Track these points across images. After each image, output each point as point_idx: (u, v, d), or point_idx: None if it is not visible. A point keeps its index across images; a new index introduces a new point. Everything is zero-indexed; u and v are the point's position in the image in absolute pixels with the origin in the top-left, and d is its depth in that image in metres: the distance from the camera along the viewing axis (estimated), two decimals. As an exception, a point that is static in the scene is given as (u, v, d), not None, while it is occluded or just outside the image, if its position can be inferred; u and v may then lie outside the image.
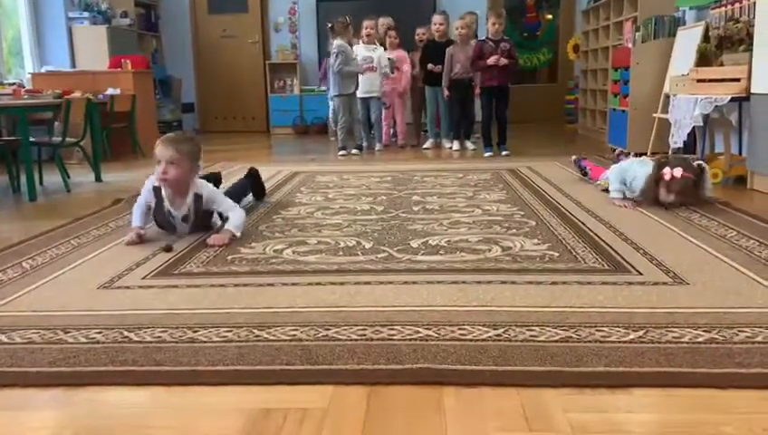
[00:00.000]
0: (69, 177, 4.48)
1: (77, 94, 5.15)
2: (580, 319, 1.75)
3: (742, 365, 1.46)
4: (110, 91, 6.02)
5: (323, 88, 7.43)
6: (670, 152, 4.38)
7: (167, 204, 2.76)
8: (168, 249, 2.55)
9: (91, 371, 1.52)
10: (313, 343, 1.63)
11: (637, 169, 3.28)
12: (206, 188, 2.82)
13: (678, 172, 3.00)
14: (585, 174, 3.98)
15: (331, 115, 6.54)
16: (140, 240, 2.71)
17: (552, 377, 1.44)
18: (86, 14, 7.15)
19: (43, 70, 6.59)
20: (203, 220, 2.85)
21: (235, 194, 3.20)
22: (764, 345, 1.56)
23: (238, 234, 2.71)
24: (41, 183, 4.53)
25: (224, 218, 2.85)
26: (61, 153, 4.62)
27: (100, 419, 1.35)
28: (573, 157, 4.25)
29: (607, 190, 3.42)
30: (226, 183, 3.61)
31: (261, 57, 8.91)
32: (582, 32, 7.82)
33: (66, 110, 4.37)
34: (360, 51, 5.95)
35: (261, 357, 1.56)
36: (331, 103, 7.17)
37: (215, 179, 3.36)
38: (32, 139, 4.24)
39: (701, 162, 3.22)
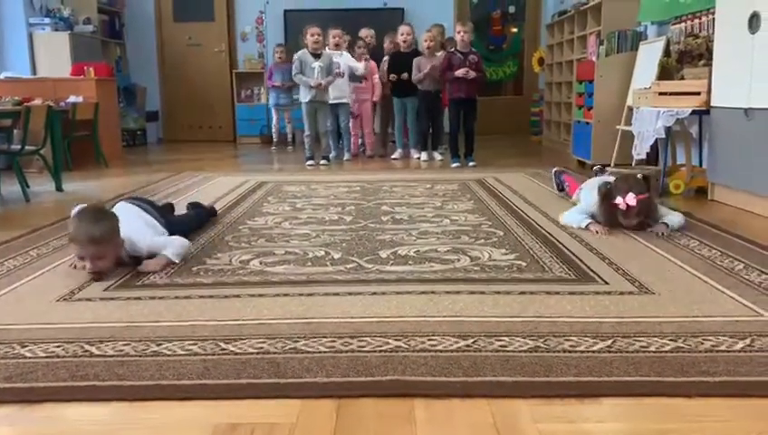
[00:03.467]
0: (28, 186, 4.36)
1: (37, 102, 5.03)
2: (548, 329, 1.75)
3: (707, 374, 1.48)
4: (72, 98, 5.89)
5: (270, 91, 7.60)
6: (633, 163, 4.46)
7: None
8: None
9: (49, 386, 1.46)
10: (281, 355, 1.60)
11: (585, 195, 3.19)
12: (142, 246, 2.46)
13: (632, 200, 2.82)
14: (562, 189, 3.88)
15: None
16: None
17: (522, 387, 1.44)
18: (47, 20, 6.99)
19: (1, 76, 6.41)
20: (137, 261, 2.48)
21: (189, 226, 3.01)
22: (728, 354, 1.58)
23: (176, 259, 2.47)
24: (-2, 192, 4.40)
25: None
26: (20, 162, 4.50)
27: (59, 436, 1.30)
28: (555, 169, 4.07)
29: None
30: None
31: (227, 66, 8.84)
32: (547, 45, 7.95)
33: (26, 117, 4.26)
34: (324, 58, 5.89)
35: (227, 371, 1.52)
36: (274, 113, 7.57)
37: (169, 210, 3.18)
38: (-11, 146, 4.13)
39: (642, 173, 3.09)
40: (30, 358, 1.61)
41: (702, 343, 1.64)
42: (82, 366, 1.56)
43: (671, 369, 1.50)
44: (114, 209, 2.57)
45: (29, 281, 2.31)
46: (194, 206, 3.41)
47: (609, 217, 2.94)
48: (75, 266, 2.43)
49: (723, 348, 1.62)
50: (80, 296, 2.12)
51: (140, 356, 1.61)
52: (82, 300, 2.08)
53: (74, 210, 2.42)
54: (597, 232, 2.89)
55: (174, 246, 2.53)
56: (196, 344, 1.67)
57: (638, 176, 3.00)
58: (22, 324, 1.86)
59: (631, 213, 2.86)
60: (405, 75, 5.96)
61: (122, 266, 2.41)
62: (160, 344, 1.68)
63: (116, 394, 1.44)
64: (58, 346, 1.68)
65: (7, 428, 1.34)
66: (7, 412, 1.39)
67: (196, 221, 3.17)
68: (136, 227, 2.50)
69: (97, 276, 2.30)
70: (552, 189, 4.08)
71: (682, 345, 1.63)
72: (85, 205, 2.46)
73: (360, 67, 6.17)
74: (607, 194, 2.94)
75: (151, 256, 2.46)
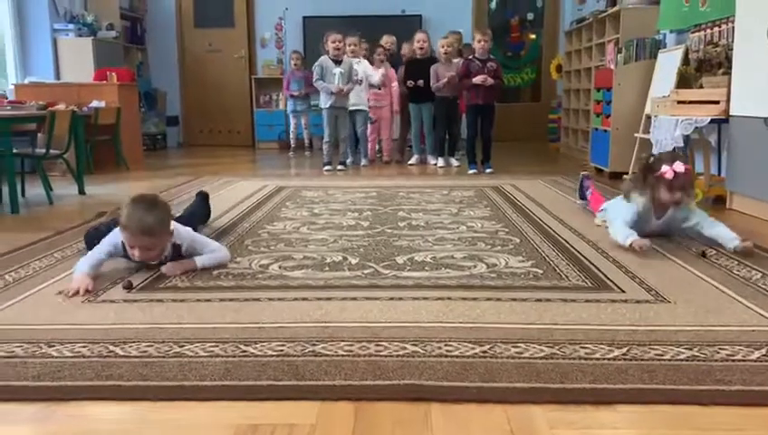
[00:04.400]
0: (52, 189, 4.45)
1: (61, 106, 5.13)
2: (564, 336, 1.77)
3: (722, 382, 1.49)
4: (94, 103, 5.99)
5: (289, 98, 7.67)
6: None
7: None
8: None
9: (75, 385, 1.51)
10: (300, 358, 1.63)
11: (615, 208, 3.03)
12: (186, 237, 2.50)
13: (680, 166, 2.69)
14: (583, 197, 3.69)
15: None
16: (87, 293, 2.20)
17: (538, 393, 1.45)
18: (71, 26, 7.12)
19: (26, 81, 6.55)
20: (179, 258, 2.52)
21: (195, 217, 3.07)
22: (744, 363, 1.59)
23: (200, 267, 2.45)
24: (23, 195, 4.49)
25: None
26: (43, 165, 4.59)
27: (86, 433, 1.34)
28: (583, 172, 3.93)
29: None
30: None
31: (247, 72, 8.92)
32: (565, 52, 7.94)
33: (51, 121, 4.34)
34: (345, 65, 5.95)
35: (248, 372, 1.56)
36: (292, 118, 7.69)
37: (204, 198, 3.35)
38: (14, 150, 4.21)
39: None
40: (57, 357, 1.66)
41: (717, 352, 1.65)
42: (107, 366, 1.60)
43: (686, 377, 1.51)
44: None
45: (54, 282, 2.36)
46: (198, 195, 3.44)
47: (652, 194, 2.79)
48: (67, 295, 2.18)
49: (738, 357, 1.63)
50: (104, 298, 2.17)
51: (163, 357, 1.65)
52: (106, 302, 2.13)
53: (130, 198, 2.38)
54: (641, 248, 2.62)
55: (212, 257, 2.50)
56: (217, 346, 1.71)
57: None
58: (48, 325, 1.91)
59: (678, 183, 2.71)
60: (421, 82, 5.99)
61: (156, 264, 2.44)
62: (183, 346, 1.72)
63: (140, 394, 1.48)
64: (83, 346, 1.72)
65: (36, 425, 1.39)
66: (36, 410, 1.43)
67: (199, 214, 3.22)
68: (194, 237, 2.54)
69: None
70: (568, 196, 4.08)
71: (697, 354, 1.64)
72: (140, 193, 2.44)
73: (374, 75, 6.19)
74: (650, 166, 2.78)
75: (183, 254, 2.48)
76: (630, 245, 2.66)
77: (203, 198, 3.40)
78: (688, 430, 1.32)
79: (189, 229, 2.57)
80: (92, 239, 2.61)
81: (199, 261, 2.47)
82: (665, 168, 2.70)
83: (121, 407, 1.45)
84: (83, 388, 1.50)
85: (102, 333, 1.83)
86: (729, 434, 1.31)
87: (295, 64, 7.51)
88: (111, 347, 1.72)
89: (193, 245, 2.51)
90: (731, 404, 1.41)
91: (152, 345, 1.72)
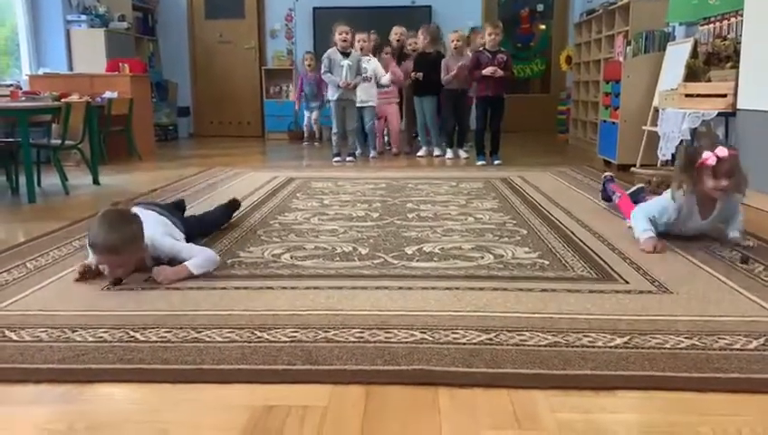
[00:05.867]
0: (67, 179, 4.53)
1: (75, 97, 5.20)
2: (568, 325, 1.83)
3: (720, 370, 1.55)
4: (107, 94, 6.06)
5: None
6: (658, 164, 4.48)
7: None
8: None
9: (100, 368, 1.59)
10: (313, 344, 1.70)
11: (658, 201, 2.80)
12: (167, 252, 2.39)
13: (723, 151, 2.48)
14: (608, 199, 3.50)
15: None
16: (85, 276, 2.30)
17: (541, 379, 1.52)
18: (84, 17, 7.20)
19: (40, 72, 6.64)
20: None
21: (212, 223, 3.04)
22: (742, 352, 1.64)
23: (197, 272, 2.31)
24: (38, 185, 4.57)
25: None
26: (58, 155, 4.68)
27: (112, 413, 1.42)
28: (605, 174, 3.72)
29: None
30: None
31: (257, 63, 8.98)
32: (575, 44, 7.95)
33: (66, 113, 4.42)
34: (354, 59, 5.99)
35: (263, 357, 1.63)
36: (306, 112, 7.86)
37: (180, 209, 3.06)
38: (31, 141, 4.29)
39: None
40: (80, 342, 1.73)
41: (716, 341, 1.70)
42: (129, 350, 1.67)
43: (685, 365, 1.57)
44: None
45: (74, 270, 2.43)
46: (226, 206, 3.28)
47: (697, 184, 2.58)
48: (79, 277, 2.29)
49: (737, 346, 1.68)
50: (122, 286, 2.24)
51: (182, 342, 1.72)
52: (125, 289, 2.20)
53: (100, 212, 2.30)
54: (654, 249, 2.58)
55: (199, 258, 2.37)
56: (233, 332, 1.78)
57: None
58: (71, 311, 1.99)
59: (723, 169, 2.50)
60: (420, 75, 6.05)
61: (143, 272, 2.31)
62: (200, 332, 1.79)
63: (161, 377, 1.55)
64: (105, 332, 1.80)
65: (64, 405, 1.46)
66: (63, 391, 1.51)
67: (212, 220, 3.09)
68: (160, 232, 2.42)
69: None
70: (576, 188, 4.12)
71: (697, 343, 1.70)
72: (110, 208, 2.33)
73: (385, 77, 6.21)
74: (692, 157, 2.57)
75: (171, 262, 2.37)
76: (643, 241, 2.62)
77: (229, 207, 3.27)
78: (684, 414, 1.38)
79: (173, 242, 2.44)
80: None
81: (192, 267, 2.32)
82: (707, 154, 2.51)
83: (143, 388, 1.52)
84: (107, 371, 1.58)
85: (123, 319, 1.90)
86: (723, 419, 1.36)
87: (309, 65, 7.60)
88: (132, 333, 1.79)
89: (177, 257, 2.38)
90: (727, 391, 1.47)
91: (171, 331, 1.80)
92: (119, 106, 6.04)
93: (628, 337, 1.74)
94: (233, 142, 8.16)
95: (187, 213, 3.10)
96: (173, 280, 2.26)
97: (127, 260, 2.25)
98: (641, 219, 2.73)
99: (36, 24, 6.97)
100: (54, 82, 6.20)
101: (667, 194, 2.74)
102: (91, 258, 2.33)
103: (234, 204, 3.32)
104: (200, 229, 2.91)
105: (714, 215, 2.69)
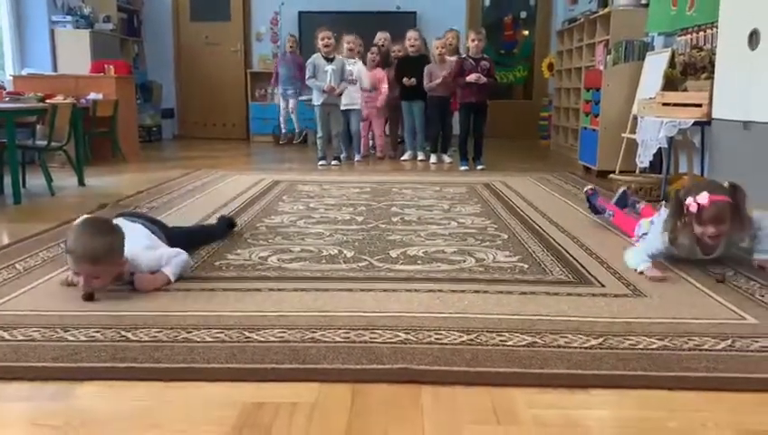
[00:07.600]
0: (52, 180, 4.54)
1: (59, 98, 5.22)
2: (546, 326, 1.90)
3: (689, 369, 1.63)
4: (92, 95, 6.07)
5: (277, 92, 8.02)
6: (637, 171, 4.59)
7: None
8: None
9: (93, 366, 1.63)
10: (300, 344, 1.76)
11: (654, 243, 2.60)
12: (143, 267, 2.28)
13: (703, 199, 2.35)
14: (597, 211, 3.37)
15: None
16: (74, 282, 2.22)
17: (519, 378, 1.59)
18: (69, 18, 7.18)
19: (24, 72, 6.61)
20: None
21: (192, 240, 2.84)
22: (710, 353, 1.73)
23: (173, 278, 2.29)
24: (24, 186, 4.57)
25: None
26: (44, 156, 4.68)
27: (105, 410, 1.46)
28: (587, 187, 3.60)
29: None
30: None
31: (242, 65, 9.01)
32: (557, 51, 8.08)
33: (52, 114, 4.43)
34: (338, 64, 6.05)
35: (252, 356, 1.68)
36: (282, 101, 7.98)
37: (226, 225, 3.08)
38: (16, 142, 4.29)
39: (730, 182, 2.49)
40: (72, 341, 1.78)
41: (687, 343, 1.79)
42: (121, 349, 1.72)
43: (656, 365, 1.65)
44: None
45: (63, 271, 2.45)
46: (219, 220, 3.20)
47: (684, 233, 2.46)
48: (69, 283, 2.25)
49: (706, 347, 1.76)
50: (111, 287, 2.27)
51: (173, 342, 1.77)
52: (114, 290, 2.24)
53: (78, 220, 2.21)
54: (655, 277, 2.40)
55: (173, 264, 2.32)
56: (222, 332, 1.83)
57: (725, 184, 2.47)
58: (62, 311, 2.03)
59: (706, 216, 2.37)
60: (413, 80, 6.10)
61: (120, 283, 2.25)
62: (190, 332, 1.84)
63: (153, 375, 1.60)
64: (97, 331, 1.84)
65: (57, 402, 1.50)
66: (57, 388, 1.55)
67: (201, 235, 2.99)
68: (141, 245, 2.32)
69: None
70: (556, 194, 4.21)
71: (668, 344, 1.78)
72: (90, 215, 2.29)
73: (366, 80, 6.28)
74: (680, 202, 2.45)
75: (151, 271, 2.30)
76: (641, 272, 2.46)
77: (226, 224, 3.14)
78: (654, 411, 1.46)
79: (154, 256, 2.33)
80: None
81: (170, 273, 2.29)
82: (689, 200, 2.39)
83: (136, 387, 1.57)
84: (100, 369, 1.62)
85: (114, 319, 1.94)
86: (692, 415, 1.44)
87: (291, 47, 7.74)
88: (123, 332, 1.84)
89: (151, 265, 2.30)
90: (694, 389, 1.55)
91: (161, 331, 1.84)
92: (104, 108, 6.05)
93: (603, 338, 1.81)
94: (217, 144, 8.18)
95: (186, 218, 3.07)
96: (152, 288, 2.23)
97: (103, 271, 2.14)
98: (637, 255, 2.56)
99: (20, 24, 6.94)
100: (39, 82, 6.19)
101: (658, 230, 2.61)
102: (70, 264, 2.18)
103: (230, 223, 3.18)
104: (188, 243, 2.71)
105: (719, 252, 2.55)
